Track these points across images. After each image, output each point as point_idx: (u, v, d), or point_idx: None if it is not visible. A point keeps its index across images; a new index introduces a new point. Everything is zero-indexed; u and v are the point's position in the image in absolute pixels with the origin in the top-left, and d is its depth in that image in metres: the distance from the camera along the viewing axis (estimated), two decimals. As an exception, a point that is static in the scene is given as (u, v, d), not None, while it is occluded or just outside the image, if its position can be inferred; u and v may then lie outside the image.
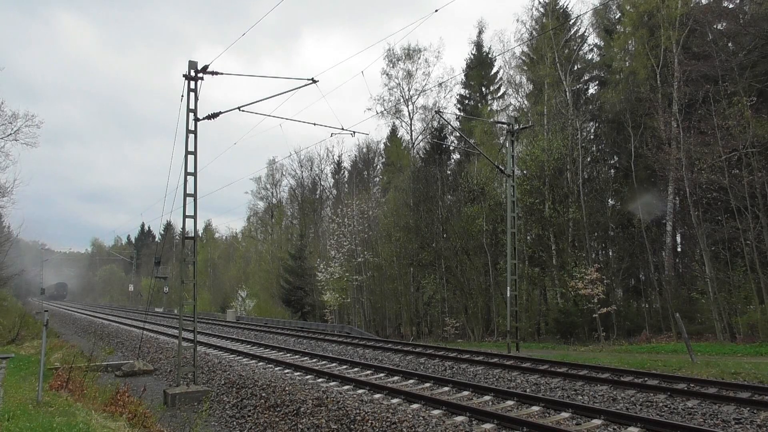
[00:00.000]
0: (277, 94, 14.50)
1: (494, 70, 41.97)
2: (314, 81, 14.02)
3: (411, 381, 13.06)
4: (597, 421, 8.76)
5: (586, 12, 34.13)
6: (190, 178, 13.50)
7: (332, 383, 12.88)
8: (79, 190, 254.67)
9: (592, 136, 32.55)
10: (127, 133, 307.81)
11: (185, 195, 13.56)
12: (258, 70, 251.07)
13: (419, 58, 42.11)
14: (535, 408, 9.85)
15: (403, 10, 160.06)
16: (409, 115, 43.53)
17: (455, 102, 43.38)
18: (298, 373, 14.50)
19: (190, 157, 13.55)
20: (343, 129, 16.91)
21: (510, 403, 10.35)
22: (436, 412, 9.73)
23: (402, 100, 42.86)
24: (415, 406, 10.22)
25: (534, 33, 35.14)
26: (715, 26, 25.53)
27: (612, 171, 31.49)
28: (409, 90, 42.56)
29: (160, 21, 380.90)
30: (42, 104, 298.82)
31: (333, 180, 54.55)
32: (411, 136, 44.29)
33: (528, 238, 31.36)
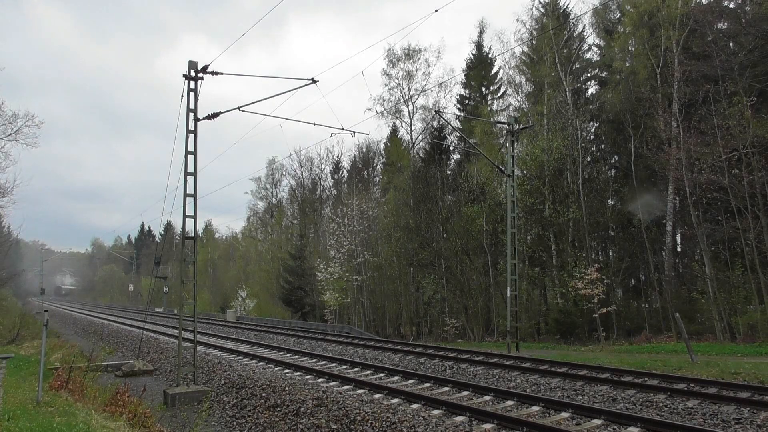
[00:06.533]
0: (277, 94, 14.50)
1: (494, 70, 41.92)
2: (314, 81, 14.02)
3: (411, 381, 13.05)
4: (597, 421, 8.76)
5: (586, 12, 34.17)
6: (190, 178, 13.50)
7: (332, 383, 12.88)
8: (71, 189, 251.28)
9: (592, 136, 32.55)
10: (114, 128, 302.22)
11: (185, 195, 13.56)
12: (245, 58, 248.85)
13: (419, 59, 42.08)
14: (535, 408, 9.84)
15: None
16: (409, 115, 43.51)
17: (455, 102, 43.30)
18: (298, 373, 14.50)
19: (190, 157, 13.54)
20: (343, 129, 16.92)
21: (510, 403, 10.35)
22: (436, 412, 9.73)
23: (402, 100, 42.84)
24: (415, 406, 10.22)
25: (534, 33, 35.13)
26: (715, 26, 25.52)
27: (612, 171, 31.49)
28: (409, 90, 42.53)
29: (138, 6, 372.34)
30: (22, 97, 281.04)
31: (333, 180, 54.56)
32: (411, 136, 44.26)
33: (528, 238, 31.36)
